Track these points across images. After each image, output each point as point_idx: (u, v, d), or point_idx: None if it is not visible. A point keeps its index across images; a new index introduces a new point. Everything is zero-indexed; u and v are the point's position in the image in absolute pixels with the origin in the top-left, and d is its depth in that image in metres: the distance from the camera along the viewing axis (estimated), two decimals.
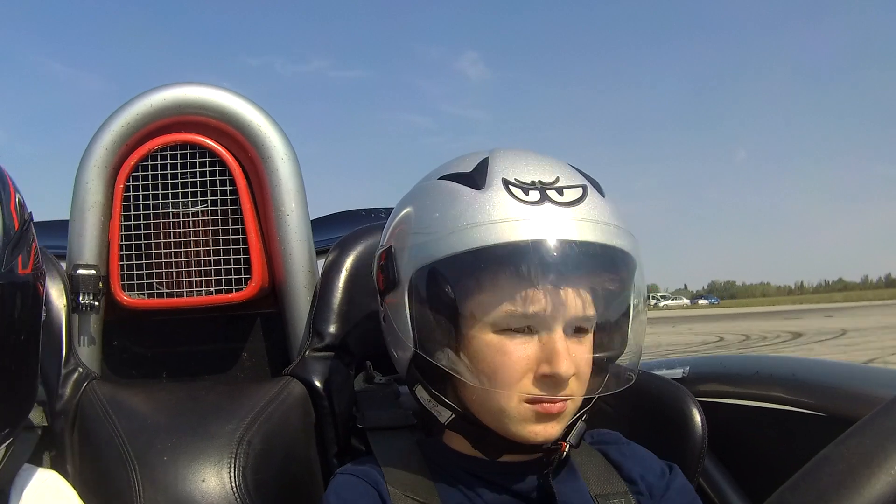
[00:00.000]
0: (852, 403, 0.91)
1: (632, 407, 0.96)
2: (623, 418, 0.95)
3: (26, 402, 0.72)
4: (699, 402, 0.94)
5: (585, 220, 0.69)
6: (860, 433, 0.53)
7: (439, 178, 0.75)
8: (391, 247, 0.76)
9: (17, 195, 0.70)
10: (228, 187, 1.01)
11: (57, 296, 1.00)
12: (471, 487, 0.75)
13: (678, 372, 1.05)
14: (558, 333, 0.68)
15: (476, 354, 0.70)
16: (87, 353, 1.02)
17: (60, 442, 0.96)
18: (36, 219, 0.75)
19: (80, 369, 0.99)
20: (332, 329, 0.99)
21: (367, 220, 1.09)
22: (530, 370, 0.69)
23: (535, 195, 0.69)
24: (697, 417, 0.92)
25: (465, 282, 0.70)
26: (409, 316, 0.72)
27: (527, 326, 0.69)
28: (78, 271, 1.00)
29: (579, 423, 0.76)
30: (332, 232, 1.11)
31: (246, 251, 1.00)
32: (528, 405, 0.70)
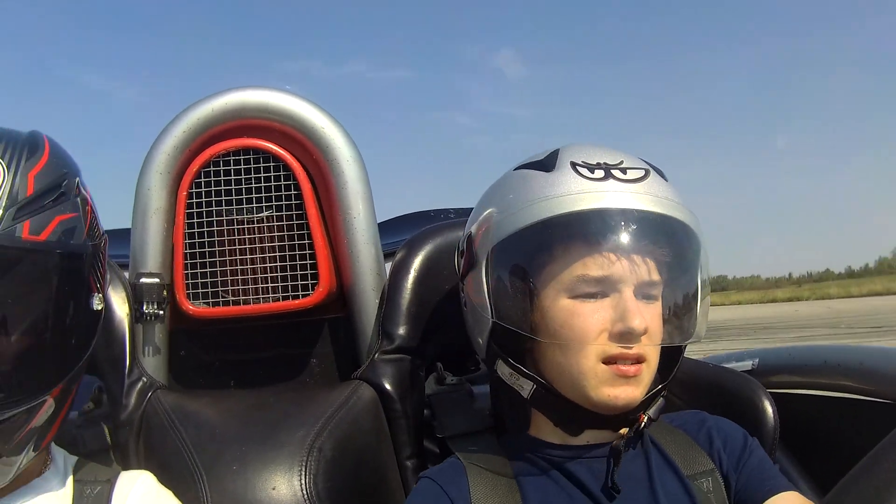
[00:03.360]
0: None
1: (704, 399, 0.97)
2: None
3: (48, 374, 0.69)
4: (770, 393, 0.94)
5: (647, 194, 0.74)
6: None
7: (514, 169, 0.81)
8: (471, 233, 0.81)
9: (55, 167, 0.71)
10: (293, 192, 1.00)
11: (119, 305, 0.99)
12: (553, 476, 0.76)
13: (748, 364, 1.06)
14: (628, 293, 0.72)
15: (552, 320, 0.74)
16: (152, 363, 1.00)
17: (125, 453, 0.95)
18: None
19: (145, 379, 0.97)
20: (401, 330, 0.98)
21: (435, 221, 1.08)
22: (605, 329, 0.72)
23: (600, 173, 0.75)
24: (769, 409, 0.92)
25: (538, 251, 0.75)
26: (486, 289, 0.77)
27: (599, 291, 0.73)
28: (141, 280, 0.99)
29: (658, 399, 0.78)
30: (400, 234, 1.10)
31: (313, 256, 0.99)
32: (604, 366, 0.72)
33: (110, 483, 0.77)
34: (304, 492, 0.86)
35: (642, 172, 0.76)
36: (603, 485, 0.74)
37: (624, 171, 0.75)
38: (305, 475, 0.87)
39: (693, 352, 0.93)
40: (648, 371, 0.75)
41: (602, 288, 0.73)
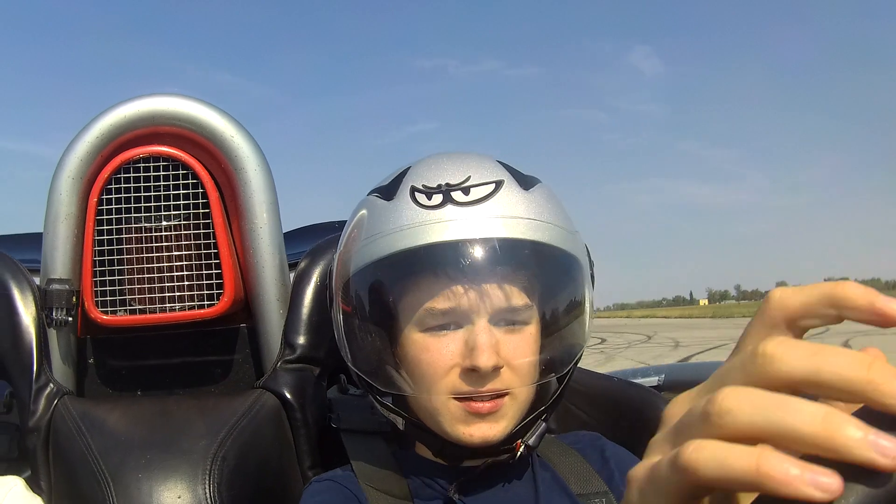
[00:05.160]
0: None
1: (609, 414, 0.96)
2: (600, 425, 0.95)
3: None
4: None
5: (489, 217, 0.68)
6: None
7: (368, 193, 0.77)
8: (332, 263, 0.78)
9: None
10: (201, 200, 0.99)
11: (28, 310, 1.00)
12: (441, 495, 0.75)
13: (654, 380, 1.05)
14: (480, 326, 0.68)
15: (403, 358, 0.71)
16: (62, 369, 1.00)
17: (34, 459, 0.96)
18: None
19: (52, 385, 0.98)
20: (302, 340, 0.99)
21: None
22: (456, 365, 0.68)
23: (437, 198, 0.69)
24: None
25: (378, 291, 0.72)
26: (341, 332, 0.74)
27: (450, 323, 0.69)
28: (51, 286, 0.99)
29: (539, 423, 0.74)
30: (307, 244, 1.10)
31: (218, 266, 0.99)
32: (456, 403, 0.69)
33: None
34: (209, 501, 0.86)
35: (490, 188, 0.70)
36: None
37: (467, 190, 0.69)
38: (210, 484, 0.87)
39: None
40: (514, 404, 0.70)
41: (452, 319, 0.69)
